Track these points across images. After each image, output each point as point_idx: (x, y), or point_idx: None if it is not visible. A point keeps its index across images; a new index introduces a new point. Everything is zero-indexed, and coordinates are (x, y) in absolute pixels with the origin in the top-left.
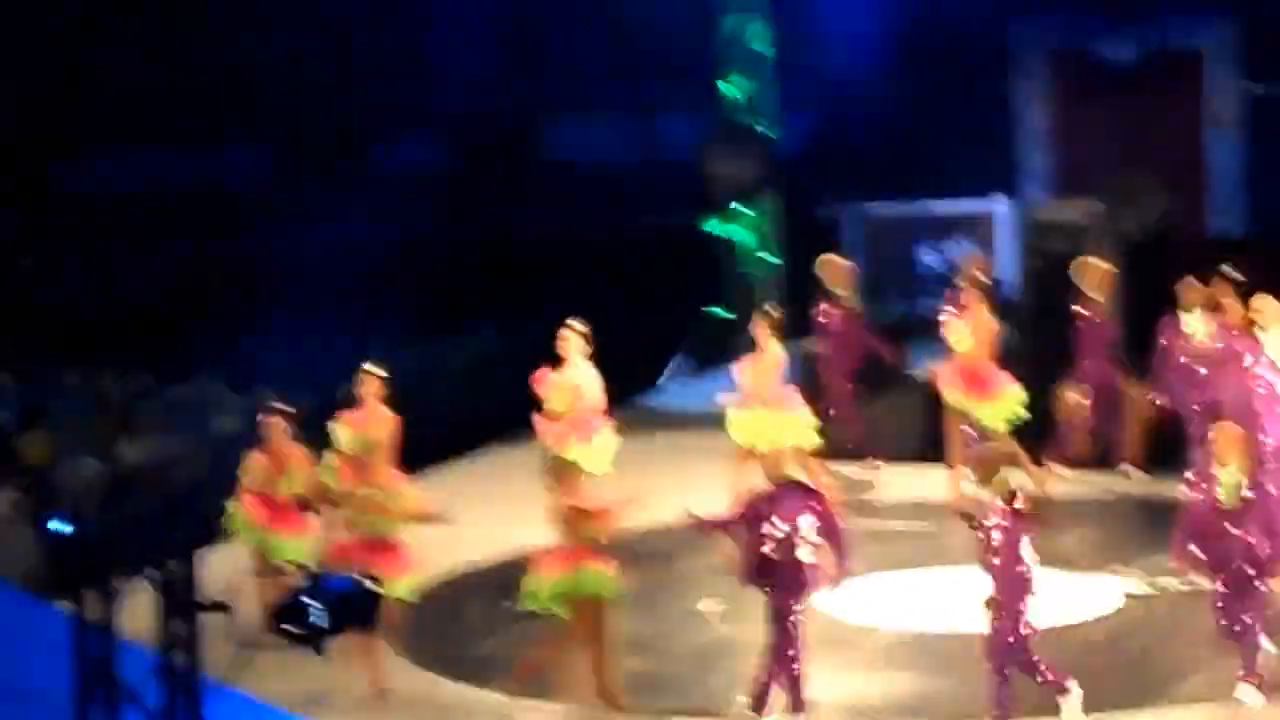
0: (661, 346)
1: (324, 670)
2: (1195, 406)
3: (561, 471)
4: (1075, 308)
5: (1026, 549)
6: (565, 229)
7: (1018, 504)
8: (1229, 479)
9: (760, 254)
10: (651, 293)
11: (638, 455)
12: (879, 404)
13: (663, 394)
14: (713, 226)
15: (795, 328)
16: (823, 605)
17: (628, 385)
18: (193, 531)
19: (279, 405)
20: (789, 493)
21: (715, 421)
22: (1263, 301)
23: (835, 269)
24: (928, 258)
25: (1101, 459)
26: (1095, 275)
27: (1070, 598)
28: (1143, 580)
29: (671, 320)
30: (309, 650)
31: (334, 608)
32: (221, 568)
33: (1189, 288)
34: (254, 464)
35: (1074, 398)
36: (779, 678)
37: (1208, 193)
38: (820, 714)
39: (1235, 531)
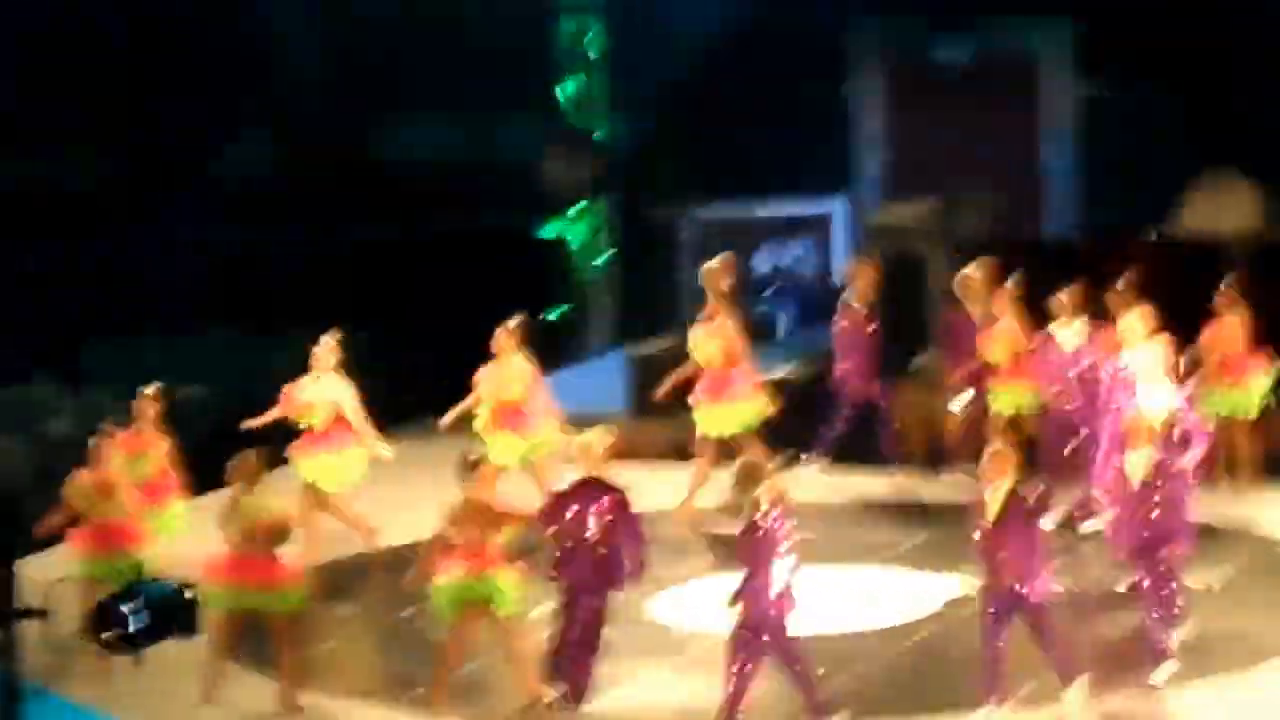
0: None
1: (143, 676)
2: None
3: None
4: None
5: (782, 558)
6: (401, 232)
7: (771, 513)
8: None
9: (595, 256)
10: (487, 295)
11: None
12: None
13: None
14: (549, 229)
15: (626, 329)
16: (652, 611)
17: (464, 388)
18: (10, 537)
19: (114, 425)
20: (590, 490)
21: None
22: (1129, 321)
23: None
24: (764, 260)
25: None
26: (865, 277)
27: (893, 598)
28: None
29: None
30: (128, 656)
31: (154, 614)
32: (41, 573)
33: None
34: (80, 484)
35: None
36: (575, 667)
37: (1042, 194)
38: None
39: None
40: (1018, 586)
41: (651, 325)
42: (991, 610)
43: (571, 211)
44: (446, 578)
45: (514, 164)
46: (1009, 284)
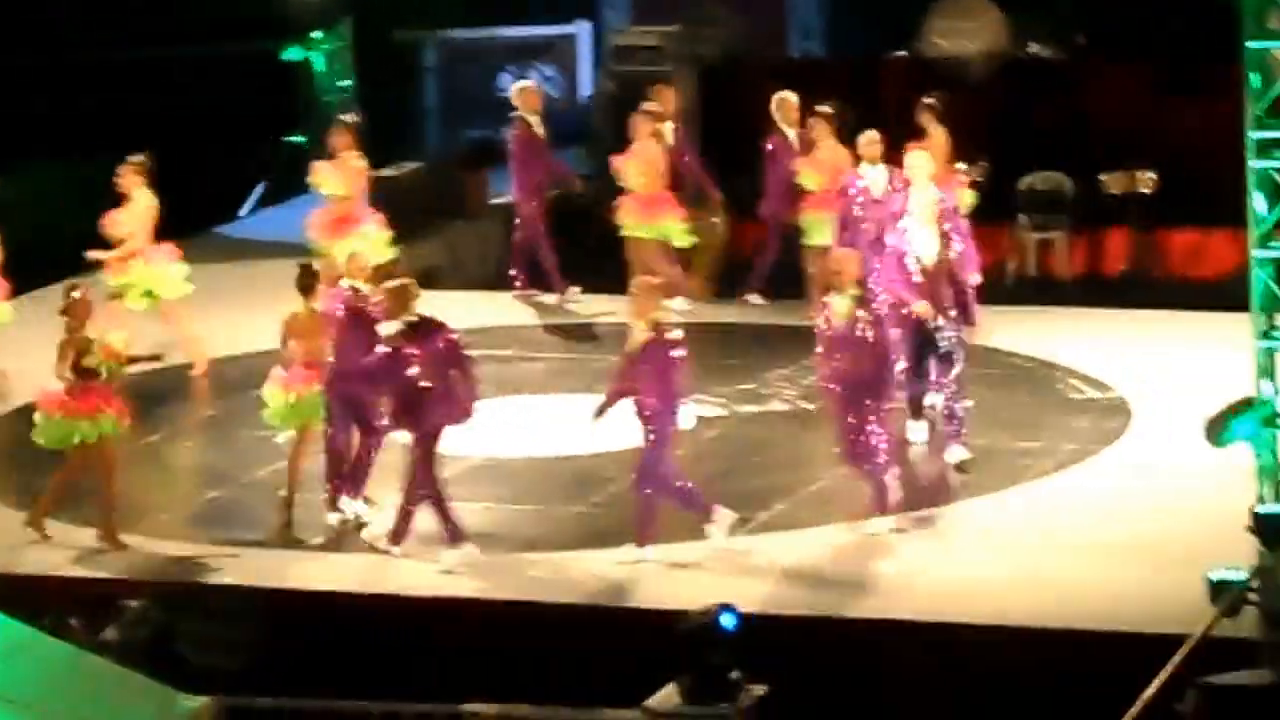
0: (241, 176)
1: None
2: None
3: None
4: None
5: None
6: (144, 55)
7: (668, 335)
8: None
9: (337, 81)
10: (230, 121)
11: (218, 284)
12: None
13: (243, 223)
14: (291, 53)
15: (371, 154)
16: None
17: (209, 215)
18: None
19: None
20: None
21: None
22: (915, 156)
23: (529, 95)
24: (507, 83)
25: None
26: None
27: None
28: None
29: (251, 149)
30: None
31: None
32: None
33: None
34: None
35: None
36: (415, 508)
37: (785, 17)
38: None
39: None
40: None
41: (396, 150)
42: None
43: (316, 35)
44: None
45: None
46: (825, 109)
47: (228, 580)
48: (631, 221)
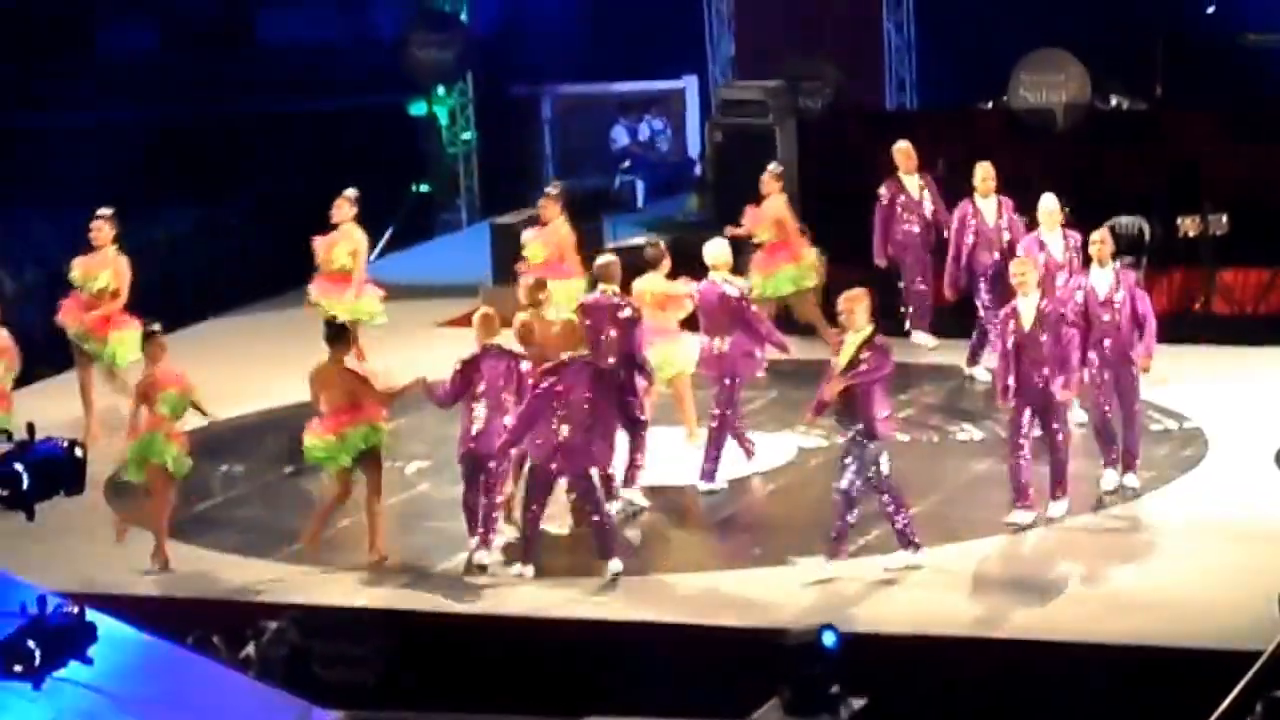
0: (371, 222)
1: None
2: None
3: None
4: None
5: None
6: (278, 109)
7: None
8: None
9: (460, 134)
10: (361, 171)
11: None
12: None
13: (372, 267)
14: (417, 108)
15: (489, 206)
16: None
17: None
18: None
19: None
20: (492, 355)
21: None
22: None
23: (905, 155)
24: (622, 134)
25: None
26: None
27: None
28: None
29: (380, 197)
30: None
31: (41, 472)
32: None
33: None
34: None
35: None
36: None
37: (883, 70)
38: None
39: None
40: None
41: (513, 198)
42: None
43: (439, 90)
44: (321, 438)
45: (384, 44)
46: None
47: (359, 602)
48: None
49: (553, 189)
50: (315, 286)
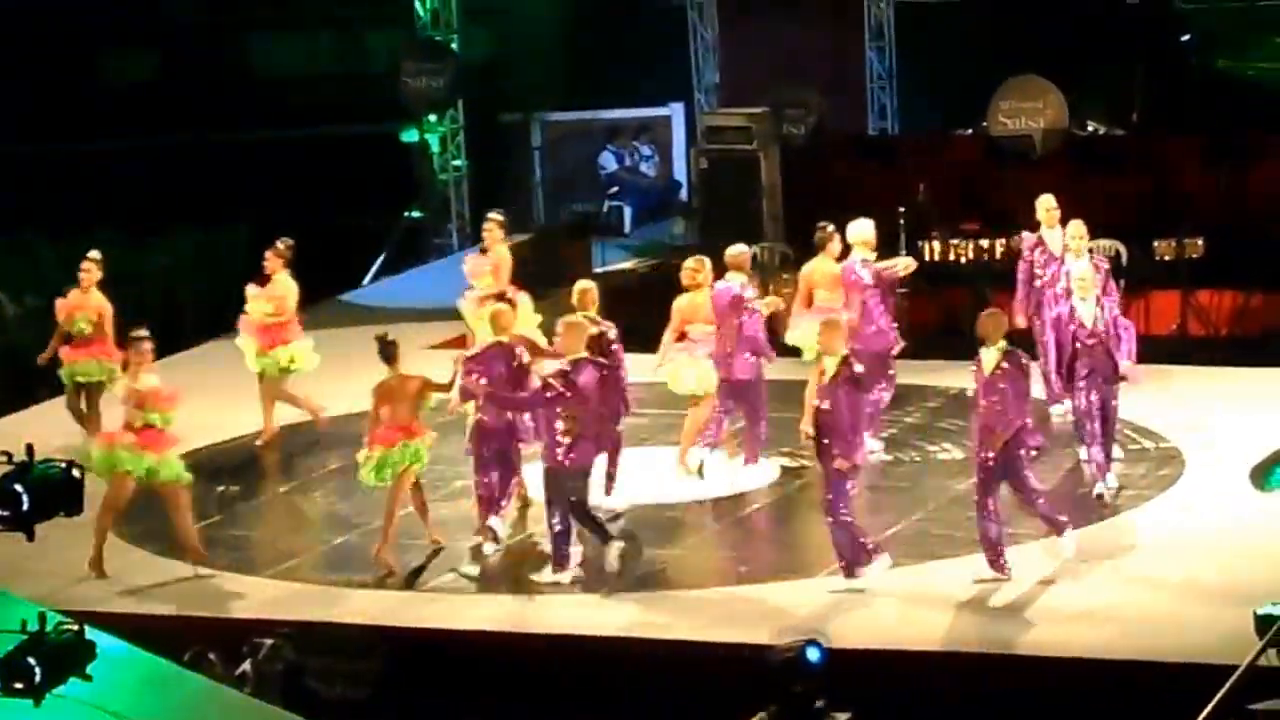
0: (364, 247)
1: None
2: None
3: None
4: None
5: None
6: (274, 138)
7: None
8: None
9: (451, 160)
10: (354, 197)
11: (344, 347)
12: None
13: (364, 291)
14: (408, 135)
15: (479, 231)
16: None
17: (335, 283)
18: None
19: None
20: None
21: (414, 315)
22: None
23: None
24: (610, 160)
25: None
26: None
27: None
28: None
29: (372, 223)
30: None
31: (41, 493)
32: None
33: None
34: None
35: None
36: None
37: (865, 97)
38: None
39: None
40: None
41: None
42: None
43: (430, 117)
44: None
45: (377, 73)
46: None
47: (354, 619)
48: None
49: (496, 215)
50: (249, 336)
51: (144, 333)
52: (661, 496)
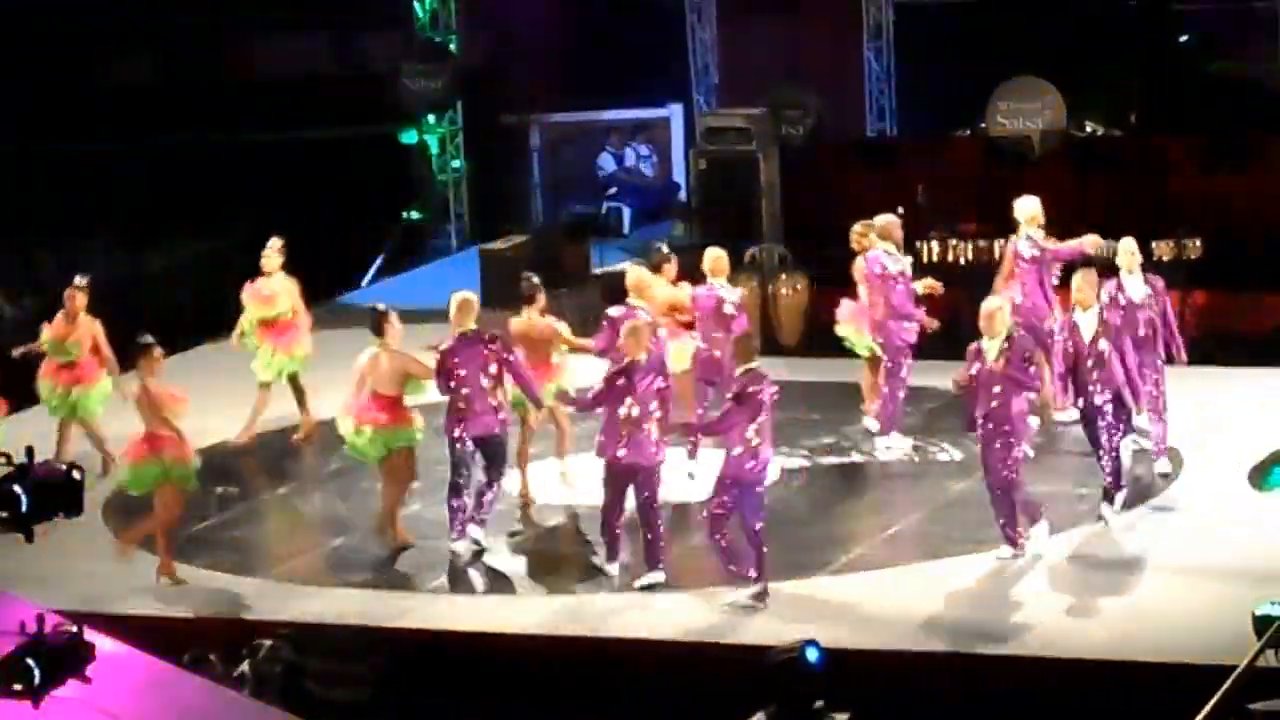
0: (363, 248)
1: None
2: None
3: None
4: None
5: None
6: (273, 140)
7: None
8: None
9: (450, 161)
10: (354, 198)
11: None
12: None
13: (364, 292)
14: (407, 136)
15: (478, 232)
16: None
17: (335, 284)
18: None
19: None
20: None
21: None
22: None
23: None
24: (609, 161)
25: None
26: None
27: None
28: (800, 456)
29: (371, 224)
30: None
31: (41, 494)
32: None
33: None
34: None
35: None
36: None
37: (863, 98)
38: None
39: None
40: None
41: (503, 224)
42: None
43: (429, 118)
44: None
45: (376, 74)
46: None
47: (352, 620)
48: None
49: (80, 280)
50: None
51: (150, 339)
52: (660, 496)
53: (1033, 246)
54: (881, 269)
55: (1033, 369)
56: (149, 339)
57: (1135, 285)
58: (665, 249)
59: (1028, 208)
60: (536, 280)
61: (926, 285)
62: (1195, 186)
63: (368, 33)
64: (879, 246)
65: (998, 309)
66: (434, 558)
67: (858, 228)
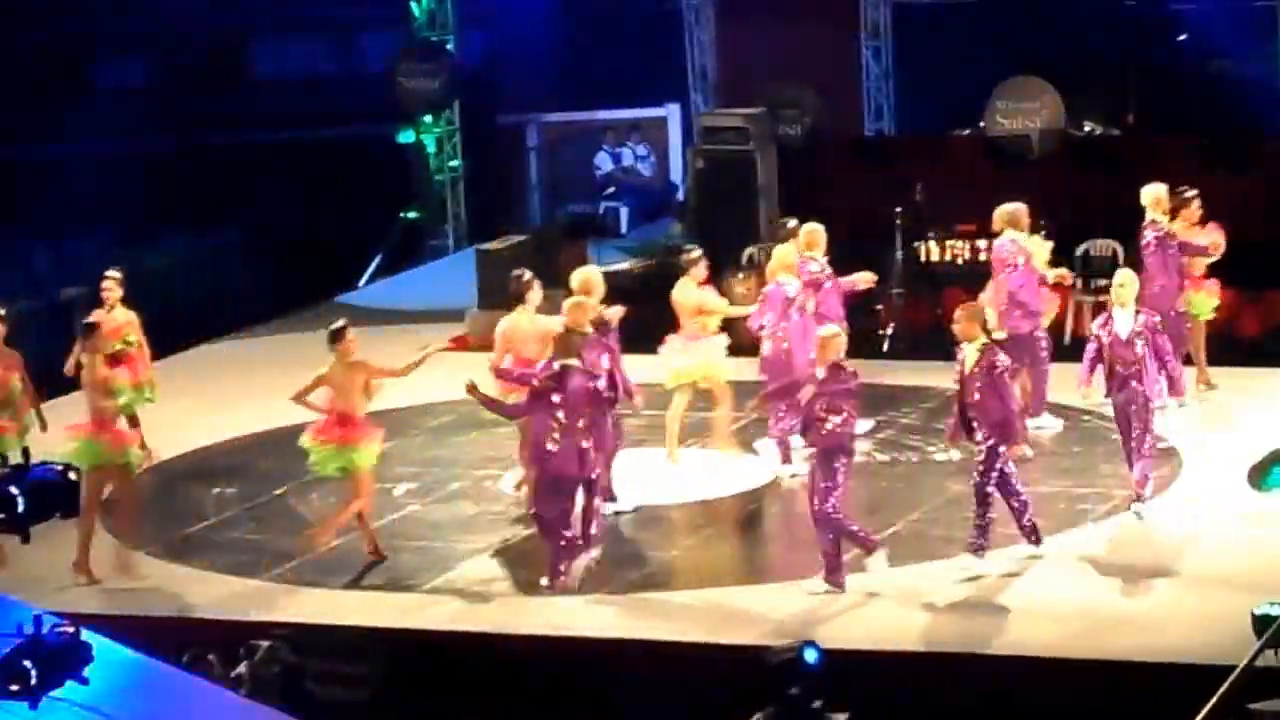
0: (360, 249)
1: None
2: None
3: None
4: None
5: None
6: (271, 140)
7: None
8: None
9: (447, 161)
10: (351, 198)
11: None
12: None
13: (361, 292)
14: (404, 136)
15: (475, 232)
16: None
17: (331, 285)
18: None
19: None
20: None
21: (410, 317)
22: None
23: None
24: (606, 161)
25: None
26: None
27: (721, 474)
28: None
29: (369, 224)
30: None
31: (37, 496)
32: None
33: None
34: None
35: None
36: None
37: (861, 98)
38: None
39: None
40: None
41: (501, 223)
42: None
43: (427, 118)
44: (323, 442)
45: (373, 75)
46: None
47: (350, 621)
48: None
49: (114, 272)
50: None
51: (94, 319)
52: (660, 497)
53: (1156, 230)
54: (1004, 255)
55: (1004, 375)
56: (91, 319)
57: (1124, 321)
58: (696, 251)
59: (1152, 193)
60: (527, 277)
61: (1058, 275)
62: (1193, 186)
63: (365, 32)
64: (1006, 234)
65: (967, 315)
66: (434, 558)
67: (997, 213)
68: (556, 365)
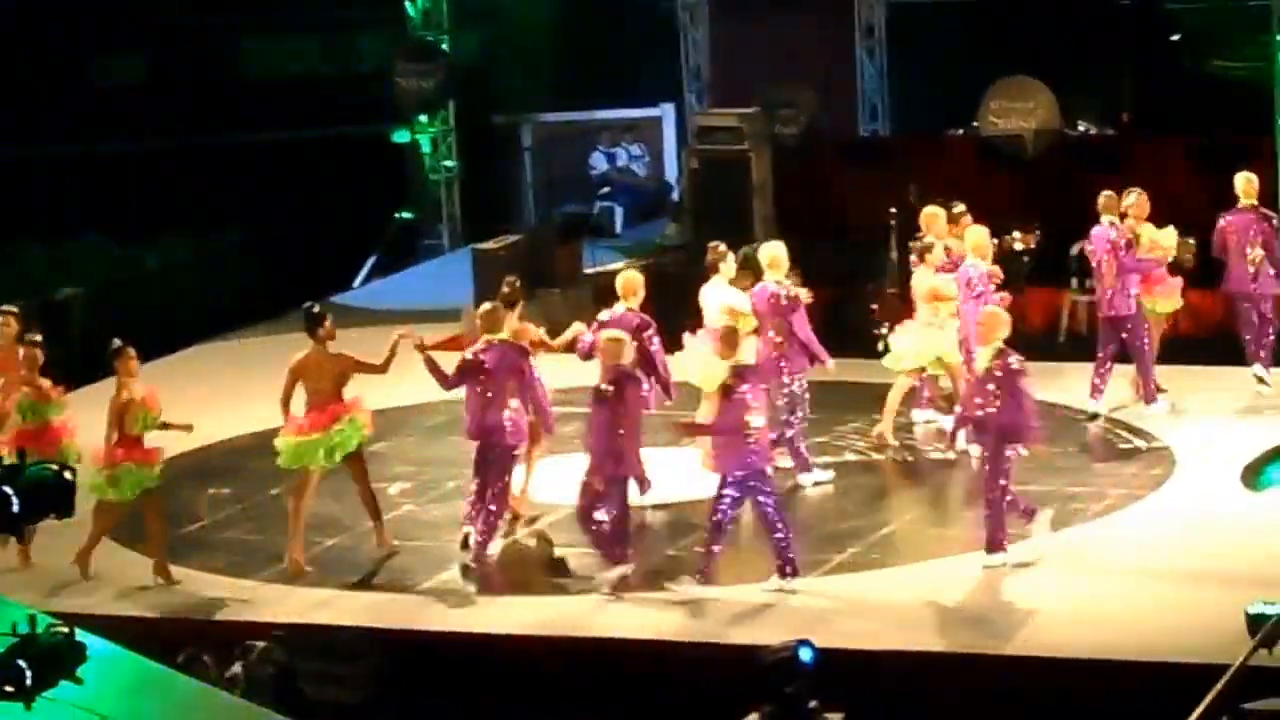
0: (356, 249)
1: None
2: None
3: None
4: None
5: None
6: (265, 140)
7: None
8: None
9: (442, 161)
10: (346, 198)
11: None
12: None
13: (356, 292)
14: (400, 136)
15: (470, 232)
16: None
17: (327, 285)
18: None
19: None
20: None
21: (405, 316)
22: None
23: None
24: (601, 161)
25: None
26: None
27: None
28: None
29: (364, 224)
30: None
31: (32, 495)
32: None
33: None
34: None
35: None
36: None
37: (856, 98)
38: None
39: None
40: None
41: (495, 224)
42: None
43: (421, 118)
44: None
45: (368, 74)
46: None
47: (344, 621)
48: None
49: (11, 308)
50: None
51: (118, 343)
52: (660, 497)
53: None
54: (1104, 242)
55: (1019, 377)
56: (117, 343)
57: None
58: (722, 246)
59: (1240, 182)
60: (318, 311)
61: (991, 271)
62: (1188, 186)
63: (359, 32)
64: (1104, 220)
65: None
66: (432, 558)
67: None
68: (482, 341)
